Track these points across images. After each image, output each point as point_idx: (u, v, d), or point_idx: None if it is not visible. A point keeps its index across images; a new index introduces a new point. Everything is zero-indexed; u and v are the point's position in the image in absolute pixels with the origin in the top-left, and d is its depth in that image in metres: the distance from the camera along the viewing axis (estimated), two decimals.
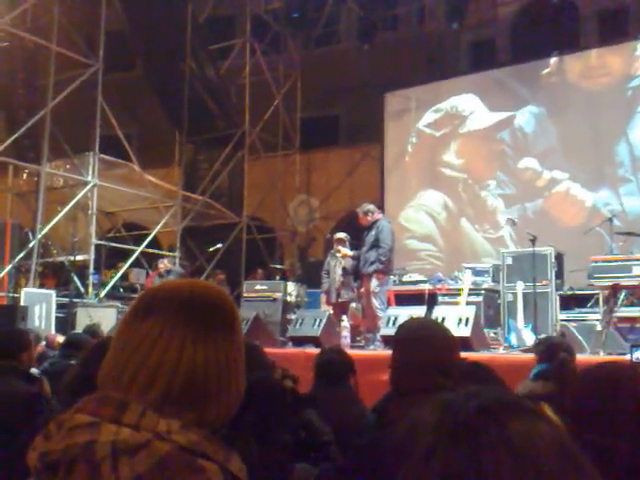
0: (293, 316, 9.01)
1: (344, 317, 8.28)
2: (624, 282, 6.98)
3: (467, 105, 12.79)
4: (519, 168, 12.01)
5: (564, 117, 11.73)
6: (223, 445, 0.90)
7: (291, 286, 9.97)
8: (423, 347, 2.01)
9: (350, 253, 8.27)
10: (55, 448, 0.84)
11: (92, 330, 6.39)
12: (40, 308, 9.51)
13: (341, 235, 8.46)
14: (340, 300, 8.29)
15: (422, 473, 0.67)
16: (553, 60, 12.17)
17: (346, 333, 8.13)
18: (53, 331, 9.23)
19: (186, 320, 0.92)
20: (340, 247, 8.30)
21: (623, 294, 6.83)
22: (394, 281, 9.13)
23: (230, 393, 0.93)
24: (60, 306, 10.18)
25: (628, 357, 5.21)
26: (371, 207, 8.32)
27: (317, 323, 8.14)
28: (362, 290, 8.21)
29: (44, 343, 7.06)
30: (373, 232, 7.97)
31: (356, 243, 8.40)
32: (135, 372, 0.91)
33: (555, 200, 11.60)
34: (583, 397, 1.49)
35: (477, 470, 0.64)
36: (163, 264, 11.00)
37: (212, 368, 0.92)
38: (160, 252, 13.07)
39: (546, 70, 12.21)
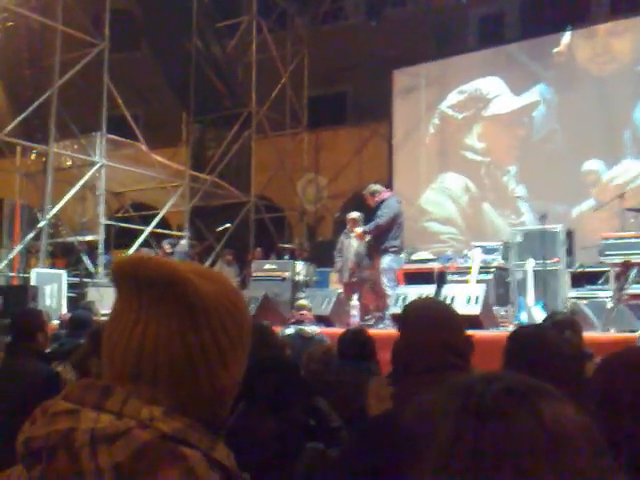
0: (302, 295, 9.02)
1: (354, 296, 8.28)
2: (635, 259, 6.94)
3: (491, 88, 12.61)
4: (539, 153, 11.82)
5: (572, 94, 11.60)
6: (208, 433, 0.87)
7: (300, 265, 9.96)
8: (432, 326, 1.99)
9: (360, 230, 8.23)
10: (37, 434, 0.83)
11: (88, 307, 6.47)
12: (51, 288, 9.58)
13: (355, 215, 8.39)
14: (353, 280, 8.27)
15: (450, 454, 0.66)
16: (563, 36, 12.01)
17: (355, 312, 8.13)
18: (64, 311, 9.30)
19: (139, 300, 0.89)
20: (355, 228, 8.25)
21: (634, 271, 6.79)
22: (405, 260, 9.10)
23: (196, 381, 0.87)
24: (71, 286, 10.24)
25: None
26: (377, 187, 8.27)
27: (327, 302, 8.16)
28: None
29: (56, 322, 7.12)
30: (379, 212, 7.95)
31: (366, 222, 8.37)
32: (112, 355, 0.90)
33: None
34: (613, 382, 1.47)
35: (512, 448, 0.63)
36: (166, 245, 11.01)
37: (162, 351, 0.87)
38: (169, 232, 13.09)
39: (556, 48, 12.05)
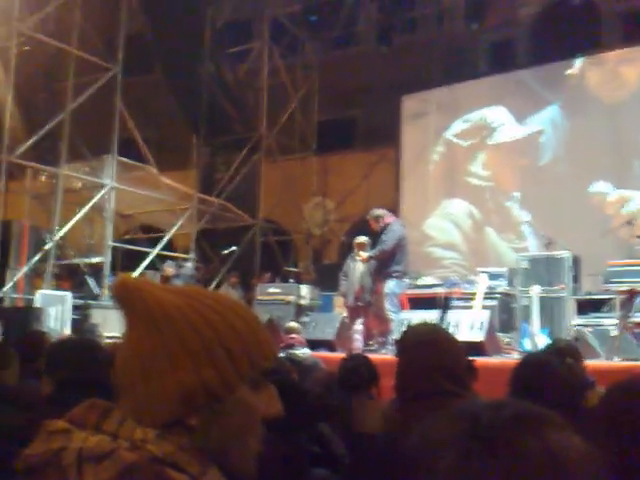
0: (306, 319, 8.98)
1: (358, 321, 8.22)
2: None
3: (496, 117, 12.64)
4: (545, 179, 11.78)
5: (582, 121, 11.57)
6: (201, 458, 0.87)
7: (304, 289, 9.92)
8: (428, 351, 1.99)
9: (365, 255, 8.19)
10: (33, 452, 0.85)
11: (91, 330, 6.47)
12: (55, 310, 9.58)
13: (362, 239, 8.37)
14: (359, 304, 8.22)
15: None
16: (574, 62, 12.03)
17: (358, 337, 8.07)
18: (68, 332, 9.31)
19: (126, 320, 0.93)
20: (361, 252, 8.21)
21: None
22: (408, 284, 9.04)
23: (146, 388, 0.88)
24: (76, 308, 10.25)
25: None
26: (380, 212, 8.25)
27: (330, 326, 8.11)
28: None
29: None
30: (383, 237, 7.93)
31: (373, 247, 8.35)
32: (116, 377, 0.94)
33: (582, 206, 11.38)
34: (620, 412, 1.44)
35: (519, 475, 0.64)
36: (170, 268, 10.96)
37: (129, 362, 0.90)
38: (175, 254, 13.11)
39: (566, 73, 12.06)
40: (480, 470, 0.64)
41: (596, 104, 11.60)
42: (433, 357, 1.95)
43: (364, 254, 8.14)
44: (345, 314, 8.51)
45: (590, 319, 7.52)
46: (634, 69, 11.55)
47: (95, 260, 11.12)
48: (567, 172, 11.59)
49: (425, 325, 4.35)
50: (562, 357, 3.84)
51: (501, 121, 12.55)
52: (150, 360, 0.88)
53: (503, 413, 0.68)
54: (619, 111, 11.28)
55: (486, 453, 0.65)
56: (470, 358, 2.12)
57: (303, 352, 6.01)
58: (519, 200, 12.06)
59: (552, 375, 2.41)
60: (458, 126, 13.06)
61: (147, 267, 12.15)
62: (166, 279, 10.76)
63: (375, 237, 8.20)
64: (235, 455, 0.91)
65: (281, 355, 5.97)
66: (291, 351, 6.06)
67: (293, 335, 6.57)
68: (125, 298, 0.91)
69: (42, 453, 0.84)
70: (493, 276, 8.57)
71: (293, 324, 6.97)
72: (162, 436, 0.86)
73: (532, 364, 2.58)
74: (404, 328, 6.90)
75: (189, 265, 11.62)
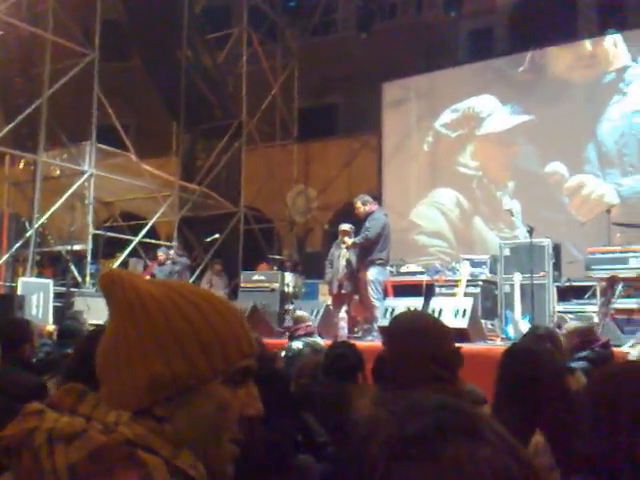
0: (291, 307, 9.02)
1: (343, 308, 8.29)
2: (621, 274, 7.00)
3: (485, 106, 12.72)
4: (534, 169, 11.93)
5: (556, 109, 11.74)
6: (174, 440, 0.87)
7: (289, 277, 9.96)
8: (419, 339, 2.01)
9: (350, 242, 8.24)
10: (8, 433, 0.85)
11: (75, 317, 6.43)
12: (37, 297, 9.51)
13: (346, 227, 8.41)
14: (343, 291, 8.28)
15: None
16: (548, 50, 12.18)
17: (343, 324, 8.14)
18: (51, 320, 9.26)
19: (110, 310, 0.95)
20: (346, 238, 8.26)
21: (620, 286, 6.84)
22: (391, 272, 9.13)
23: (118, 376, 0.89)
24: (57, 295, 10.18)
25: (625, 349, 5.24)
26: (367, 198, 8.33)
27: (314, 314, 8.16)
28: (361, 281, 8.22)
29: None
30: (367, 224, 8.00)
31: (356, 235, 8.41)
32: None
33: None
34: (611, 397, 1.47)
35: None
36: (165, 254, 10.98)
37: (107, 350, 0.91)
38: (158, 242, 13.06)
39: (541, 61, 12.20)
40: (402, 470, 0.64)
41: (567, 88, 11.78)
42: (424, 345, 1.97)
43: (349, 240, 8.20)
44: (329, 301, 8.58)
45: (572, 306, 7.68)
46: (604, 56, 11.74)
47: (77, 247, 11.02)
48: (539, 157, 11.78)
49: (413, 312, 4.42)
50: (542, 343, 3.95)
51: (490, 111, 12.64)
52: (125, 348, 0.89)
53: (426, 420, 0.67)
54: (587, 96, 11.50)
55: (409, 456, 0.65)
56: (457, 345, 2.16)
57: (321, 341, 5.98)
58: (512, 190, 12.18)
59: (540, 363, 2.47)
60: (447, 116, 13.12)
61: (130, 254, 12.08)
62: (161, 264, 10.78)
63: (359, 225, 8.27)
64: (210, 454, 0.90)
65: (301, 343, 5.92)
66: (312, 339, 6.04)
67: (308, 323, 6.55)
68: (108, 288, 0.92)
69: (16, 433, 0.84)
70: (475, 264, 8.69)
71: (302, 313, 6.90)
72: (135, 419, 0.86)
73: (520, 352, 2.62)
74: (388, 315, 7.00)
75: (184, 260, 11.51)
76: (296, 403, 3.22)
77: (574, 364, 4.01)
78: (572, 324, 4.79)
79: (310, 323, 6.60)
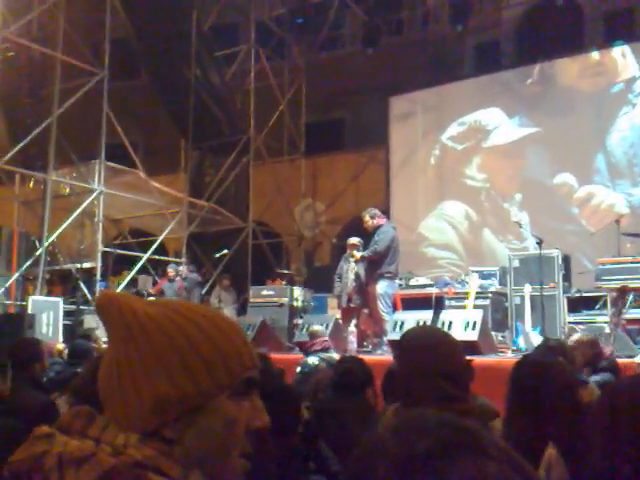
0: (300, 321, 9.00)
1: (352, 322, 8.26)
2: (632, 284, 6.94)
3: (491, 119, 12.73)
4: (543, 180, 11.90)
5: (564, 120, 11.73)
6: (183, 462, 0.87)
7: (297, 291, 9.94)
8: (431, 356, 1.98)
9: (359, 255, 8.22)
10: (18, 458, 0.85)
11: (87, 335, 6.43)
12: (47, 316, 9.53)
13: (355, 240, 8.40)
14: (352, 305, 8.26)
15: None
16: (557, 62, 12.18)
17: (353, 338, 8.11)
18: (61, 338, 9.27)
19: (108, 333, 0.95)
20: (354, 252, 8.25)
21: (631, 296, 6.79)
22: (400, 285, 9.09)
23: (122, 399, 0.89)
24: (67, 313, 10.20)
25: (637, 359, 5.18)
26: (376, 211, 8.33)
27: (324, 328, 8.12)
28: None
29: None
30: (376, 237, 7.99)
31: (364, 249, 8.39)
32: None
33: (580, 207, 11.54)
34: (616, 411, 1.45)
35: None
36: (174, 270, 11.01)
37: (109, 372, 0.91)
38: (167, 258, 13.10)
39: (549, 73, 12.21)
40: None
41: (577, 98, 11.78)
42: (436, 362, 1.94)
43: (358, 254, 8.19)
44: (338, 315, 8.55)
45: (583, 317, 7.62)
46: (613, 67, 11.74)
47: (86, 265, 11.06)
48: (549, 169, 11.75)
49: (424, 328, 4.37)
50: (553, 356, 3.91)
51: (496, 123, 12.64)
52: (126, 370, 0.89)
53: (430, 439, 0.67)
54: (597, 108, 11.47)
55: (418, 476, 0.64)
56: (468, 358, 2.13)
57: (336, 356, 5.96)
58: (520, 202, 12.14)
59: (551, 375, 2.44)
60: (454, 129, 13.14)
61: (139, 271, 12.12)
62: (170, 280, 10.81)
63: (367, 238, 8.26)
64: (221, 470, 0.89)
65: (317, 358, 5.88)
66: (329, 355, 6.00)
67: (325, 338, 6.51)
68: (104, 310, 0.92)
69: (25, 458, 0.84)
70: (485, 276, 8.65)
71: (317, 327, 6.85)
72: (143, 441, 0.86)
73: (530, 365, 2.59)
74: (398, 329, 6.96)
75: (194, 276, 11.54)
76: (311, 428, 3.16)
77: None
78: (575, 336, 4.75)
79: (326, 338, 6.55)
